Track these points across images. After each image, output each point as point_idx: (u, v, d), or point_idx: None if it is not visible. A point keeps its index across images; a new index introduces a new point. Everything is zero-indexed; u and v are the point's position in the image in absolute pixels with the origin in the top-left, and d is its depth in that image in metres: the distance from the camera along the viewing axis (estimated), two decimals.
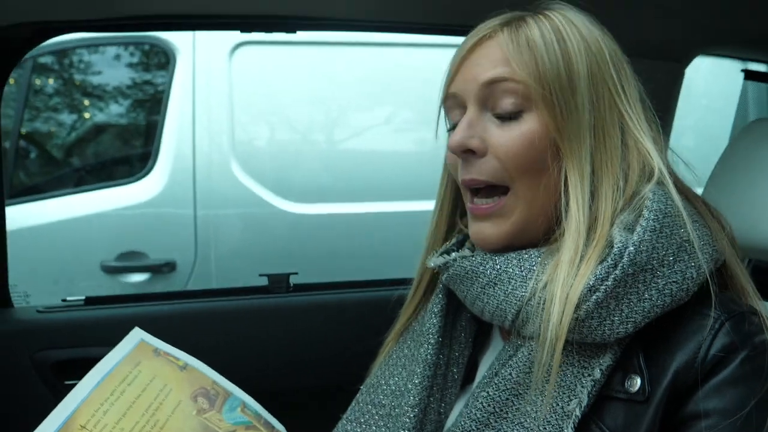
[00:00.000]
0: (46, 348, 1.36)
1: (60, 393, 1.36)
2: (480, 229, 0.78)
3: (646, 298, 0.67)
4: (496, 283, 0.75)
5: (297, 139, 2.51)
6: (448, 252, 0.85)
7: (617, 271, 0.66)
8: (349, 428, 0.86)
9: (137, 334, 0.85)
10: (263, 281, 1.48)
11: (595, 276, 0.67)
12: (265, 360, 1.44)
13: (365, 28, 1.39)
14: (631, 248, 0.66)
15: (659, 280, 0.67)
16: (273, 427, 0.87)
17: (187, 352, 0.85)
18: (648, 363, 0.68)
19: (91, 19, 1.18)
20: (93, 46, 2.51)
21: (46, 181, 2.62)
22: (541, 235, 0.77)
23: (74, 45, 2.46)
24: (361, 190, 2.44)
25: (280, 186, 2.40)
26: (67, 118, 2.62)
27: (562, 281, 0.68)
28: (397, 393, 0.84)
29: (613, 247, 0.68)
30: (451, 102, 0.80)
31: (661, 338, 0.69)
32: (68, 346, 1.37)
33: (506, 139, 0.75)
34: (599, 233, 0.70)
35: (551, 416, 0.68)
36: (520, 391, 0.71)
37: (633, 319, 0.66)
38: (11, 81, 2.28)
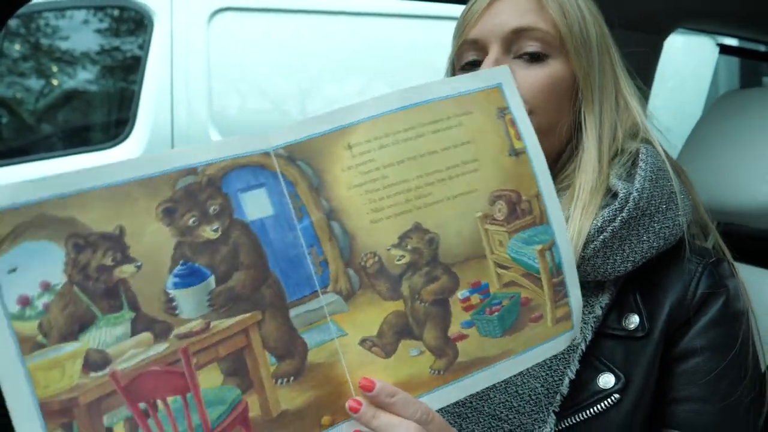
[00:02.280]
0: None
1: None
2: None
3: (644, 240, 0.74)
4: None
5: (271, 108, 2.51)
6: None
7: (624, 213, 0.72)
8: None
9: (503, 74, 0.63)
10: None
11: (603, 218, 0.73)
12: None
13: None
14: (635, 194, 0.73)
15: (655, 224, 0.74)
16: (566, 296, 0.64)
17: None
18: (644, 301, 0.75)
19: None
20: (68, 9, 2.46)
21: (19, 146, 2.58)
22: None
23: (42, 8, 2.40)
24: None
25: None
26: (46, 81, 2.57)
27: (573, 221, 0.73)
28: None
29: (615, 194, 0.75)
30: (469, 47, 0.81)
31: (652, 280, 0.76)
32: None
33: (532, 78, 0.77)
34: (600, 181, 0.76)
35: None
36: None
37: (632, 259, 0.73)
38: None
